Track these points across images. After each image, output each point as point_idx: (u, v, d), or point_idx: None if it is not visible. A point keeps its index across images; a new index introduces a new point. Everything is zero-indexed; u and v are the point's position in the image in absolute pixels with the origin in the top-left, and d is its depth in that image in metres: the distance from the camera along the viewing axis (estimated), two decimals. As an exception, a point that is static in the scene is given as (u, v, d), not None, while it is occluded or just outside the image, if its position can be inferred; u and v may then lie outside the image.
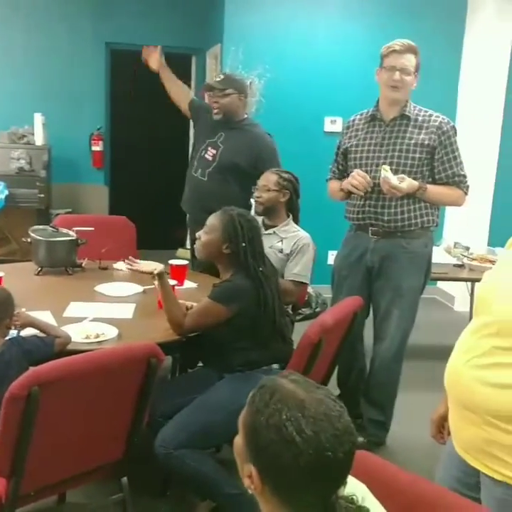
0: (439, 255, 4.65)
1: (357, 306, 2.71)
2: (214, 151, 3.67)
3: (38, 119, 5.91)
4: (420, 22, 5.51)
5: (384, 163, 2.99)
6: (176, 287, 2.87)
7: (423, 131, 3.04)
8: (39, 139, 5.93)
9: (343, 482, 1.10)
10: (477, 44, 5.65)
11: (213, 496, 2.47)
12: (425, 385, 3.28)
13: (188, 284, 3.19)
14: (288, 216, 3.24)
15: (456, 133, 3.09)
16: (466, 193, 3.11)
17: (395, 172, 2.96)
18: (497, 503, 1.53)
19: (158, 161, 7.30)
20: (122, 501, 2.35)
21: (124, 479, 2.32)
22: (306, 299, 3.76)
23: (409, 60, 2.98)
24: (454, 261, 4.50)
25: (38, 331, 2.33)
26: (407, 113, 3.06)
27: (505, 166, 5.61)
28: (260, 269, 2.52)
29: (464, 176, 3.08)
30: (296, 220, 3.29)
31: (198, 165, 3.72)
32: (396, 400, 3.35)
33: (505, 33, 5.50)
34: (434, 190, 3.04)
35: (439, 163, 3.04)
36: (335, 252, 3.43)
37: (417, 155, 3.02)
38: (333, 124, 5.58)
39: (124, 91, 7.06)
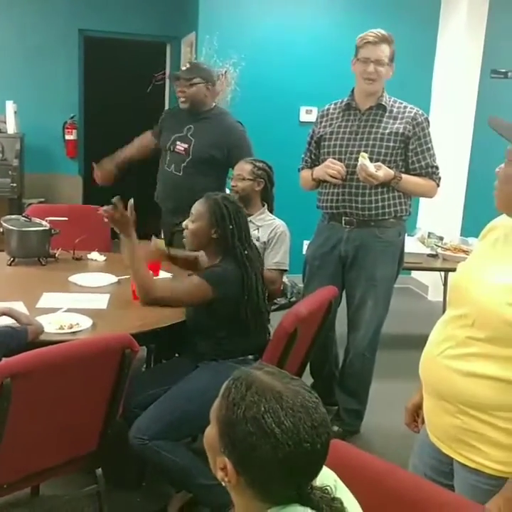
0: (413, 245, 4.69)
1: (332, 295, 2.73)
2: (185, 145, 3.62)
3: (10, 107, 5.81)
4: (396, 11, 5.52)
5: (359, 152, 3.00)
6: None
7: (398, 121, 3.06)
8: (11, 127, 5.84)
9: (318, 473, 1.11)
10: (451, 38, 5.69)
11: (188, 486, 2.46)
12: (399, 374, 3.31)
13: (163, 273, 3.17)
14: (263, 205, 3.24)
15: (429, 125, 3.12)
16: (438, 185, 3.15)
17: (370, 161, 2.97)
18: (470, 490, 1.55)
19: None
20: (97, 493, 2.34)
21: (99, 471, 2.30)
22: (282, 288, 3.77)
23: (383, 51, 2.98)
24: (428, 251, 4.55)
25: (11, 321, 2.30)
26: (383, 103, 3.07)
27: (478, 157, 5.66)
28: (246, 252, 2.53)
29: (437, 168, 3.11)
30: (270, 209, 3.29)
31: (171, 160, 3.67)
32: (370, 389, 3.38)
33: (478, 30, 5.54)
34: (408, 179, 3.07)
35: (413, 154, 3.06)
36: (307, 243, 3.45)
37: (391, 144, 3.03)
38: (309, 114, 5.57)
39: (98, 79, 6.97)
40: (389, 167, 3.02)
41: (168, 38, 6.67)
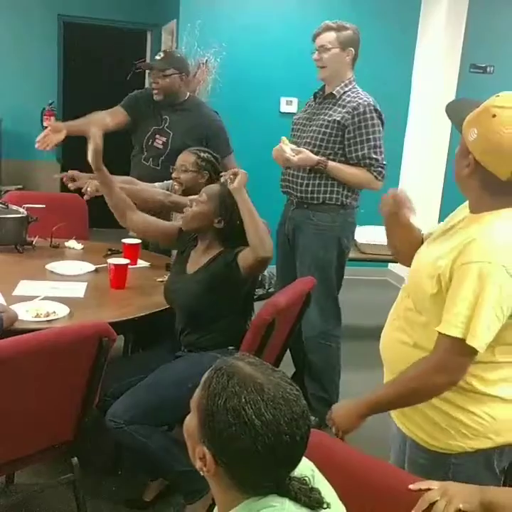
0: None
1: (309, 286, 2.73)
2: (163, 139, 3.57)
3: (-13, 92, 5.75)
4: (377, 4, 5.54)
5: (305, 138, 3.16)
6: (129, 266, 2.84)
7: (340, 109, 3.10)
8: (-12, 112, 5.77)
9: (297, 464, 1.11)
10: (431, 32, 5.71)
11: (163, 472, 2.46)
12: (376, 366, 3.33)
13: (141, 262, 3.16)
14: None
15: (376, 116, 3.08)
16: (377, 178, 3.10)
17: (309, 146, 3.11)
18: (419, 468, 1.62)
19: (112, 138, 7.19)
20: (73, 482, 2.33)
21: (75, 459, 2.30)
22: (260, 279, 3.77)
23: (326, 38, 3.11)
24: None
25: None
26: (334, 92, 3.14)
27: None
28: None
29: (376, 160, 3.08)
30: None
31: (149, 153, 3.61)
32: (347, 380, 3.39)
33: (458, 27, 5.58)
34: (337, 167, 3.09)
35: (351, 143, 3.08)
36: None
37: (328, 131, 3.09)
38: (289, 105, 5.58)
39: (77, 66, 6.89)
40: (325, 154, 3.09)
41: (149, 25, 6.61)
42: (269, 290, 3.88)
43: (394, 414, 1.74)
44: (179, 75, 3.53)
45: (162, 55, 3.60)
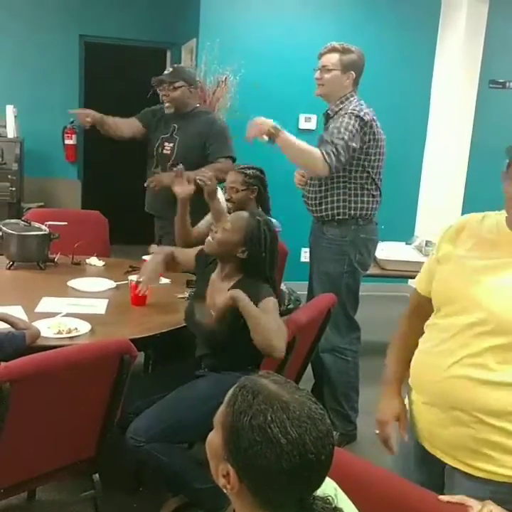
0: (409, 253, 4.72)
1: (330, 303, 2.73)
2: (171, 145, 3.71)
3: (10, 111, 5.82)
4: (396, 21, 5.56)
5: None
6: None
7: (330, 125, 3.12)
8: (11, 131, 5.85)
9: (321, 484, 1.10)
10: (450, 48, 5.72)
11: (183, 490, 2.46)
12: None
13: (162, 279, 3.16)
14: (258, 208, 3.25)
15: (354, 120, 3.01)
16: (325, 159, 2.98)
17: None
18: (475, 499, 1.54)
19: (132, 155, 7.26)
20: (93, 498, 2.33)
21: (96, 476, 2.30)
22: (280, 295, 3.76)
23: (329, 59, 3.17)
24: (425, 259, 4.55)
25: (7, 326, 2.31)
26: (329, 111, 3.21)
27: (476, 166, 5.68)
28: (272, 277, 2.47)
29: (333, 142, 2.99)
30: (266, 209, 3.29)
31: (159, 162, 3.74)
32: (366, 396, 3.36)
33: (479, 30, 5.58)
34: (290, 137, 3.05)
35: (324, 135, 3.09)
36: (308, 249, 3.48)
37: None
38: (308, 122, 5.59)
39: (98, 85, 6.98)
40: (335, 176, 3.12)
41: (169, 44, 6.69)
42: (289, 306, 3.87)
43: (443, 452, 1.62)
44: (188, 88, 3.69)
45: (171, 69, 3.78)
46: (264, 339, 2.24)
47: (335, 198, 3.17)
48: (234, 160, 3.76)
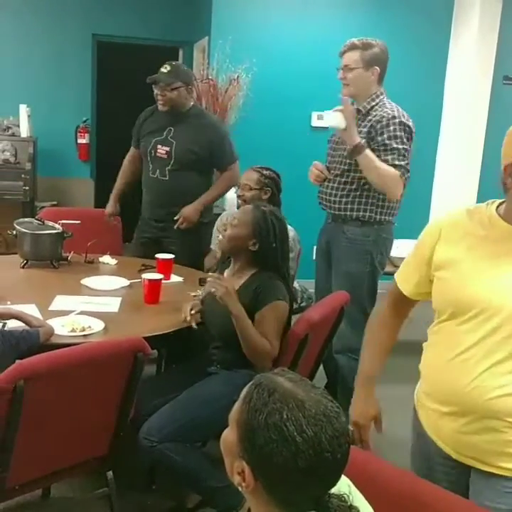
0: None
1: (343, 301, 2.73)
2: (167, 148, 3.64)
3: (23, 110, 5.85)
4: (409, 17, 5.54)
5: (336, 156, 3.19)
6: (163, 281, 2.87)
7: (366, 124, 3.10)
8: (24, 130, 5.88)
9: (337, 482, 1.10)
10: (463, 44, 5.68)
11: (198, 488, 2.46)
12: (410, 380, 3.29)
13: (175, 278, 3.18)
14: None
15: (400, 128, 3.03)
16: (402, 180, 3.02)
17: (340, 164, 3.14)
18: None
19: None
20: (107, 496, 2.34)
21: (110, 473, 2.31)
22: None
23: (350, 57, 3.13)
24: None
25: (22, 324, 2.32)
26: (360, 107, 3.15)
27: (490, 163, 5.63)
28: (285, 268, 2.50)
29: (401, 166, 3.01)
30: None
31: (155, 166, 3.68)
32: (380, 395, 3.35)
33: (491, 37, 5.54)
34: (372, 156, 3.00)
35: (377, 155, 3.03)
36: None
37: None
38: (321, 119, 5.57)
39: (110, 83, 7.00)
40: (356, 171, 3.09)
41: (181, 42, 6.70)
42: (301, 304, 3.87)
43: (474, 459, 1.59)
44: (185, 88, 3.61)
45: (168, 68, 3.59)
46: (248, 349, 2.34)
47: (363, 200, 3.13)
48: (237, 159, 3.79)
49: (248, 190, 3.21)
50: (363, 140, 3.02)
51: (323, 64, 5.46)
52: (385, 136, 3.02)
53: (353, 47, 3.11)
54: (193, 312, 2.54)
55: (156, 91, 3.61)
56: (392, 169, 3.00)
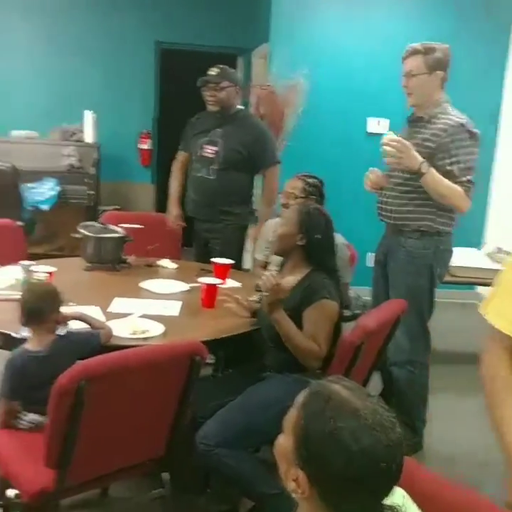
0: (478, 260, 4.61)
1: (400, 309, 2.70)
2: (214, 148, 3.74)
3: (89, 116, 6.02)
4: (467, 22, 5.45)
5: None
6: (220, 286, 2.91)
7: (429, 132, 3.03)
8: (89, 136, 6.04)
9: (390, 492, 1.09)
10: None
11: (252, 494, 2.48)
12: (465, 391, 3.24)
13: (231, 282, 3.21)
14: None
15: (467, 137, 2.98)
16: (467, 195, 2.98)
17: (401, 172, 3.06)
18: None
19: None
20: (163, 497, 2.39)
21: (165, 475, 2.36)
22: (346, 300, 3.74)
23: (412, 63, 3.06)
24: (496, 266, 4.44)
25: (84, 325, 2.40)
26: (423, 114, 3.09)
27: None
28: (333, 263, 2.54)
29: (467, 181, 2.97)
30: None
31: (201, 165, 3.79)
32: (435, 405, 3.31)
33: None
34: (436, 175, 2.94)
35: (441, 165, 2.98)
36: (374, 255, 3.45)
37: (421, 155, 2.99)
38: (377, 125, 5.55)
39: (171, 89, 7.13)
40: (417, 180, 3.01)
41: (240, 49, 6.77)
42: (356, 312, 3.86)
43: None
44: (234, 88, 3.75)
45: (217, 70, 3.79)
46: (296, 353, 2.39)
47: (423, 209, 3.06)
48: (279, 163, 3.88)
49: (293, 199, 3.20)
50: (424, 163, 2.93)
51: (380, 69, 5.46)
52: (451, 146, 2.96)
53: (414, 52, 3.05)
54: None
55: (205, 93, 3.76)
56: (455, 188, 2.96)
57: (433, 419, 3.36)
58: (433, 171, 2.95)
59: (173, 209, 4.02)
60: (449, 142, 2.97)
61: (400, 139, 2.95)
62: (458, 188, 2.97)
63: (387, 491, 1.09)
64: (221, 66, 3.82)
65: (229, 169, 3.72)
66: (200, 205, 3.83)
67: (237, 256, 3.74)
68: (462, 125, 2.99)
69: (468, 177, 2.98)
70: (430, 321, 3.32)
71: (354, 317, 3.19)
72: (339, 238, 3.18)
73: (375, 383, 3.31)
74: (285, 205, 3.23)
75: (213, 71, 3.77)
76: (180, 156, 4.06)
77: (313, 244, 2.51)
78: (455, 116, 3.03)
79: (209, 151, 3.74)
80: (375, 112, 5.50)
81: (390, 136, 2.98)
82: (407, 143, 2.94)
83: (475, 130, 3.01)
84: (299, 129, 5.07)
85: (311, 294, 2.44)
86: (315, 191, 3.23)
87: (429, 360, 3.32)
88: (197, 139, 3.82)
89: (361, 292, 3.62)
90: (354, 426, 1.04)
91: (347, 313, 4.03)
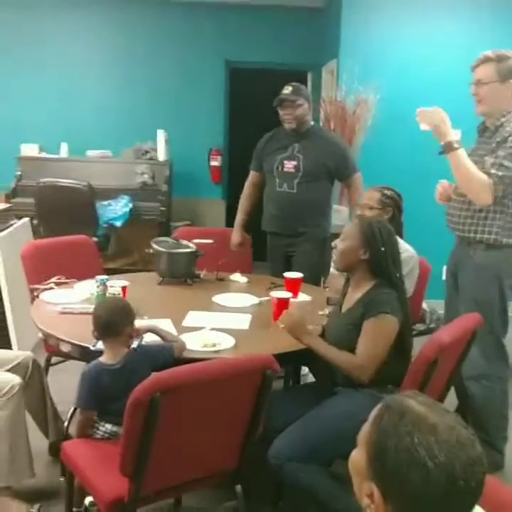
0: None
1: (476, 323, 2.63)
2: (294, 163, 3.79)
3: (161, 135, 6.16)
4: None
5: None
6: (291, 299, 2.91)
7: (492, 140, 2.97)
8: (161, 154, 6.19)
9: (471, 511, 1.05)
10: None
11: (324, 509, 2.46)
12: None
13: (302, 296, 3.21)
14: None
15: None
16: (490, 187, 2.85)
17: None
18: None
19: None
20: (235, 509, 2.39)
21: (238, 487, 2.36)
22: (421, 314, 3.68)
23: (484, 71, 2.98)
24: None
25: (157, 338, 2.44)
26: (489, 125, 3.04)
27: None
28: (398, 274, 2.50)
29: (496, 176, 2.85)
30: (399, 235, 3.23)
31: (282, 180, 3.82)
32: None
33: None
34: (463, 156, 2.89)
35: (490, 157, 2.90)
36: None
37: (484, 165, 2.92)
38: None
39: (241, 107, 7.22)
40: None
41: (310, 65, 6.80)
42: (431, 326, 3.78)
43: None
44: (308, 104, 3.83)
45: (290, 88, 3.85)
46: (340, 369, 2.42)
47: (488, 221, 2.98)
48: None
49: (368, 210, 3.15)
50: (457, 139, 2.92)
51: (451, 81, 5.36)
52: (501, 153, 2.87)
53: (486, 60, 2.97)
54: None
55: (281, 111, 3.82)
56: (483, 175, 2.87)
57: (512, 438, 3.25)
58: (463, 151, 2.91)
59: (235, 236, 4.06)
60: (499, 143, 2.90)
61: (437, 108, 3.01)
62: (483, 176, 2.87)
63: (466, 511, 1.05)
64: (294, 84, 3.88)
65: (310, 182, 3.77)
66: (283, 220, 3.86)
67: (322, 268, 3.75)
68: None
69: (501, 173, 2.86)
70: (508, 336, 3.21)
71: (429, 331, 3.13)
72: (405, 251, 3.13)
73: (451, 400, 3.23)
74: (361, 217, 3.20)
75: (287, 89, 3.83)
76: (252, 176, 4.12)
77: (377, 257, 2.47)
78: None
79: (289, 166, 3.80)
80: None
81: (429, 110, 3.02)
82: (443, 113, 2.99)
83: None
84: (369, 143, 5.04)
85: (372, 307, 2.41)
86: (391, 203, 3.17)
87: (508, 375, 3.21)
88: (275, 155, 3.87)
89: (437, 306, 3.55)
90: (430, 441, 1.00)
91: (421, 327, 3.97)
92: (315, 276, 3.58)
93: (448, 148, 2.93)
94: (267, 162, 3.92)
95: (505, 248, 3.03)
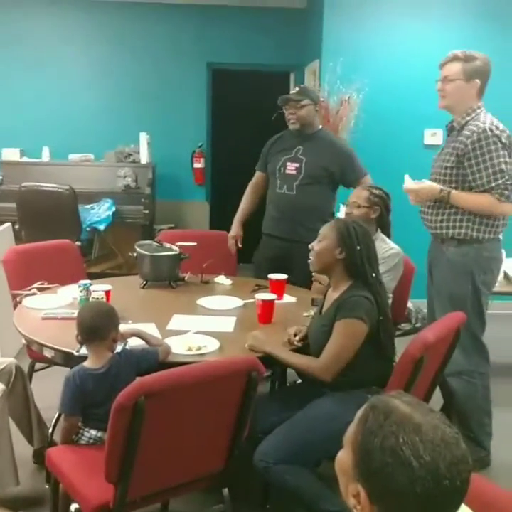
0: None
1: (459, 321, 2.64)
2: (296, 165, 3.77)
3: (143, 138, 6.14)
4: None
5: (433, 174, 3.17)
6: (276, 301, 2.90)
7: (458, 138, 3.02)
8: (144, 157, 6.16)
9: (457, 510, 1.05)
10: None
11: (311, 510, 2.45)
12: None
13: (287, 298, 3.20)
14: (376, 231, 3.20)
15: (494, 140, 2.91)
16: (500, 200, 2.94)
17: (435, 181, 3.09)
18: None
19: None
20: (223, 512, 2.38)
21: (225, 490, 2.35)
22: (406, 313, 3.69)
23: (450, 69, 3.06)
24: None
25: (141, 342, 2.43)
26: (455, 124, 3.10)
27: None
28: (374, 274, 2.49)
29: (498, 185, 2.92)
30: (387, 235, 3.24)
31: (283, 182, 3.80)
32: (498, 420, 3.21)
33: None
34: (459, 195, 3.00)
35: (470, 172, 2.96)
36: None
37: (449, 164, 3.03)
38: (434, 136, 5.47)
39: (224, 108, 7.21)
40: (450, 185, 3.03)
41: (292, 66, 6.80)
42: (416, 325, 3.78)
43: None
44: (314, 106, 3.80)
45: (297, 89, 3.87)
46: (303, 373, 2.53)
47: (458, 217, 3.04)
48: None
49: (356, 208, 3.17)
50: (440, 187, 3.01)
51: (432, 81, 5.37)
52: (478, 152, 2.92)
53: (455, 58, 3.05)
54: (297, 338, 2.62)
55: (286, 112, 3.82)
56: (485, 199, 2.95)
57: (501, 435, 3.26)
58: (454, 192, 3.00)
59: (234, 228, 4.05)
60: (473, 150, 2.93)
61: (412, 186, 3.07)
62: (487, 197, 2.95)
63: (452, 509, 1.05)
64: (301, 85, 3.93)
65: (311, 185, 3.73)
66: (280, 221, 3.84)
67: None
68: (485, 130, 2.92)
69: (499, 181, 2.92)
70: (492, 333, 3.23)
71: (415, 330, 3.13)
72: (390, 250, 3.13)
73: (437, 400, 3.24)
74: (349, 215, 3.22)
75: (294, 89, 3.87)
76: (256, 176, 4.11)
77: (353, 256, 2.47)
78: (481, 121, 2.98)
79: (291, 168, 3.78)
80: (432, 123, 5.42)
81: (405, 186, 3.08)
82: (420, 184, 3.06)
83: (502, 132, 2.94)
84: (353, 143, 5.04)
85: (342, 310, 2.42)
86: (379, 202, 3.19)
87: (489, 371, 3.23)
88: (279, 156, 3.86)
89: (423, 305, 3.55)
90: (415, 441, 1.00)
91: (406, 326, 3.98)
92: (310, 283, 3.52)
93: (444, 198, 3.02)
94: (271, 163, 3.92)
95: (476, 243, 3.06)
